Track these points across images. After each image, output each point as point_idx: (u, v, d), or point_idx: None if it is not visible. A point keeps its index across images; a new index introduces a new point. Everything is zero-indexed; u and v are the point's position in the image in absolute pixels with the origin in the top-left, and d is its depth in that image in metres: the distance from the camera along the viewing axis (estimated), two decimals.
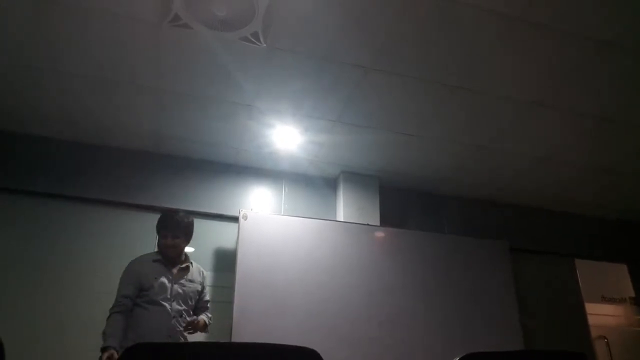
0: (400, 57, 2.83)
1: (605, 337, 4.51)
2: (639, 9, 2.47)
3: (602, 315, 4.71)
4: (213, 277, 3.72)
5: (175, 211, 2.94)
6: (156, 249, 2.86)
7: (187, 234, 2.88)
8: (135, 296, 2.64)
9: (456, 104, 3.27)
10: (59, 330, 3.23)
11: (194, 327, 2.71)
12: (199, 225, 3.83)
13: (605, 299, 4.84)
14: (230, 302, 3.32)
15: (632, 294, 4.95)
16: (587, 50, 2.76)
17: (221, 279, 3.68)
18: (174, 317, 2.65)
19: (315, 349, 1.12)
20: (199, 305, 2.86)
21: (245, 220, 3.62)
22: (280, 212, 4.07)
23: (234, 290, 3.34)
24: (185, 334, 2.69)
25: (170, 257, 2.81)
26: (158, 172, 3.90)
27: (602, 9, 2.47)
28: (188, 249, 3.77)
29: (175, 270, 2.79)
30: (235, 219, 3.68)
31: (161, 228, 2.83)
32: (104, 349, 2.43)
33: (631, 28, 2.60)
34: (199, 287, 2.88)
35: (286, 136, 3.70)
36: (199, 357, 1.07)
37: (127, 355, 0.98)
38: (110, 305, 2.65)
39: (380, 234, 4.00)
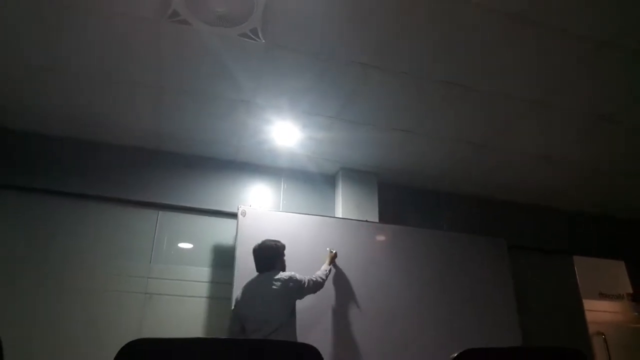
0: (399, 54, 2.83)
1: (603, 334, 4.53)
2: (639, 9, 2.47)
3: (599, 311, 4.73)
4: (212, 273, 3.73)
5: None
6: (284, 269, 3.08)
7: None
8: None
9: (456, 102, 3.27)
10: (57, 327, 3.24)
11: None
12: (198, 221, 3.87)
13: (603, 296, 4.86)
14: (229, 299, 3.32)
15: (630, 290, 4.97)
16: (587, 49, 2.75)
17: (220, 275, 3.69)
18: None
19: (313, 345, 1.13)
20: None
21: (244, 216, 3.62)
22: (278, 208, 4.08)
23: (232, 287, 3.34)
24: None
25: None
26: (157, 168, 3.90)
27: (602, 9, 2.46)
28: (187, 245, 3.80)
29: None
30: (233, 216, 3.68)
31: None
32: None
33: (631, 27, 2.59)
34: None
35: (285, 133, 3.70)
36: (198, 353, 1.07)
37: (127, 348, 0.98)
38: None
39: (378, 230, 4.00)
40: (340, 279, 3.65)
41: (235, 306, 2.98)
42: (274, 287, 2.87)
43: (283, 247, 3.11)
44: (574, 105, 3.29)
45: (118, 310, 3.40)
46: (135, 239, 3.66)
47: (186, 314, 3.55)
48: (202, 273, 3.71)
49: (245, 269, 3.40)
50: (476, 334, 3.83)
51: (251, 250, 3.07)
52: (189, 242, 3.81)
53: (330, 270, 3.37)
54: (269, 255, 3.04)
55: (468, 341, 3.73)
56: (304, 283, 2.99)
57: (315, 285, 3.09)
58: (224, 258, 3.74)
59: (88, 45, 2.77)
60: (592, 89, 3.12)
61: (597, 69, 2.92)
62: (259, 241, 3.08)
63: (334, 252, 3.56)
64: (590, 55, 2.80)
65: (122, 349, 0.98)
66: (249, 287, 2.97)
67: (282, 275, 2.94)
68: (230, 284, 3.37)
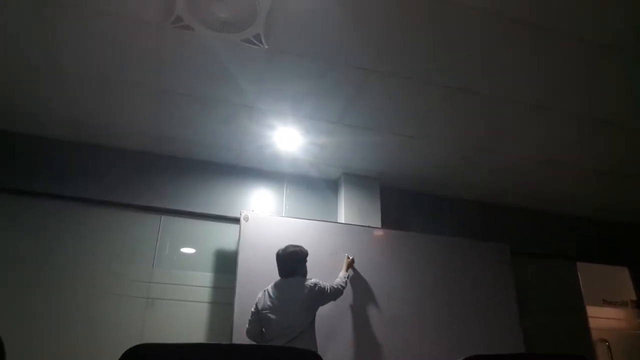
0: (401, 59, 2.83)
1: (606, 341, 4.50)
2: None
3: (603, 318, 4.70)
4: (214, 278, 3.72)
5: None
6: (306, 275, 3.08)
7: None
8: None
9: (457, 106, 3.27)
10: (59, 332, 3.23)
11: None
12: (200, 226, 3.87)
13: (607, 302, 4.83)
14: (231, 304, 3.32)
15: (634, 297, 4.94)
16: (588, 52, 2.76)
17: (222, 280, 3.69)
18: None
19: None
20: None
21: (247, 221, 3.62)
22: (281, 213, 4.07)
23: (234, 292, 3.34)
24: None
25: None
26: (159, 173, 3.90)
27: (603, 12, 2.47)
28: (189, 250, 3.80)
29: None
30: (236, 221, 3.68)
31: None
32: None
33: (632, 31, 2.60)
34: None
35: (287, 138, 3.70)
36: (200, 359, 1.07)
37: (129, 354, 0.98)
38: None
39: (381, 236, 3.99)
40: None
41: (256, 309, 2.96)
42: (299, 293, 2.89)
43: (306, 252, 3.13)
44: (575, 108, 3.29)
45: (120, 315, 3.39)
46: (138, 244, 3.66)
47: (188, 319, 3.55)
48: (204, 278, 3.70)
49: (248, 274, 3.40)
50: (479, 339, 3.81)
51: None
52: (192, 247, 3.81)
53: (348, 277, 3.42)
54: (293, 260, 3.06)
55: (470, 347, 3.71)
56: (327, 290, 3.03)
57: (337, 293, 3.13)
58: (226, 263, 3.74)
59: (90, 47, 2.77)
60: (593, 92, 3.12)
61: (598, 71, 2.92)
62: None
63: (351, 257, 3.61)
64: (591, 57, 2.80)
65: (124, 354, 0.98)
66: (274, 292, 2.96)
67: (308, 282, 2.96)
68: (232, 289, 3.37)
